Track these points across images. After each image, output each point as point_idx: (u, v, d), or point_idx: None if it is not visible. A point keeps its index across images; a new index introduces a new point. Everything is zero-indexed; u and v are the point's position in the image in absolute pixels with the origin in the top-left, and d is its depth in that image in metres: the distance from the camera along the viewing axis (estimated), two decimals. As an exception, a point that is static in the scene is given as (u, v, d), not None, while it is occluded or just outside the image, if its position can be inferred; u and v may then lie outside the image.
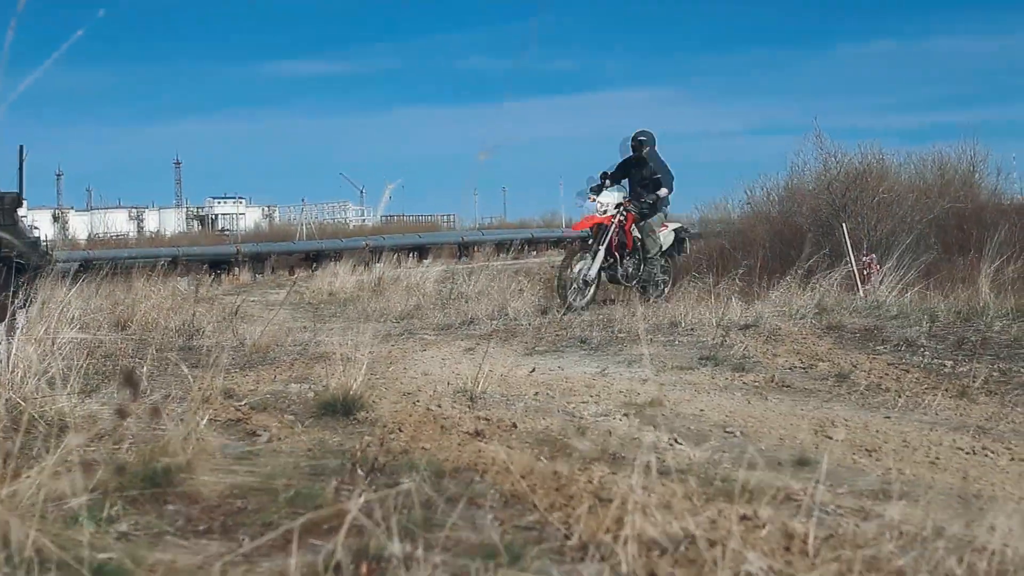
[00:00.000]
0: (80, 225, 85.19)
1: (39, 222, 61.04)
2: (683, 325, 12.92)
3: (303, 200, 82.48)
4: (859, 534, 3.85)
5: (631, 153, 16.69)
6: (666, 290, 16.69)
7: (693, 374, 9.23)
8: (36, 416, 5.60)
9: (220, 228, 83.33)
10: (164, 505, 4.20)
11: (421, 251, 39.89)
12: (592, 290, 15.89)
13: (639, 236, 16.30)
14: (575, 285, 15.59)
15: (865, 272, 18.87)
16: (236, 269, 31.03)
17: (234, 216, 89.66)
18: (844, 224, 20.45)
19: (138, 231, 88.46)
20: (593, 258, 15.80)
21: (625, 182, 16.76)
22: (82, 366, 7.24)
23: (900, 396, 7.73)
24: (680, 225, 17.98)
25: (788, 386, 8.50)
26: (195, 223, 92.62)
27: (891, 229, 31.54)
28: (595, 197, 16.17)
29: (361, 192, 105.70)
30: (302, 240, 47.48)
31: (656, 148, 16.90)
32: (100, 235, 74.36)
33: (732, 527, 3.84)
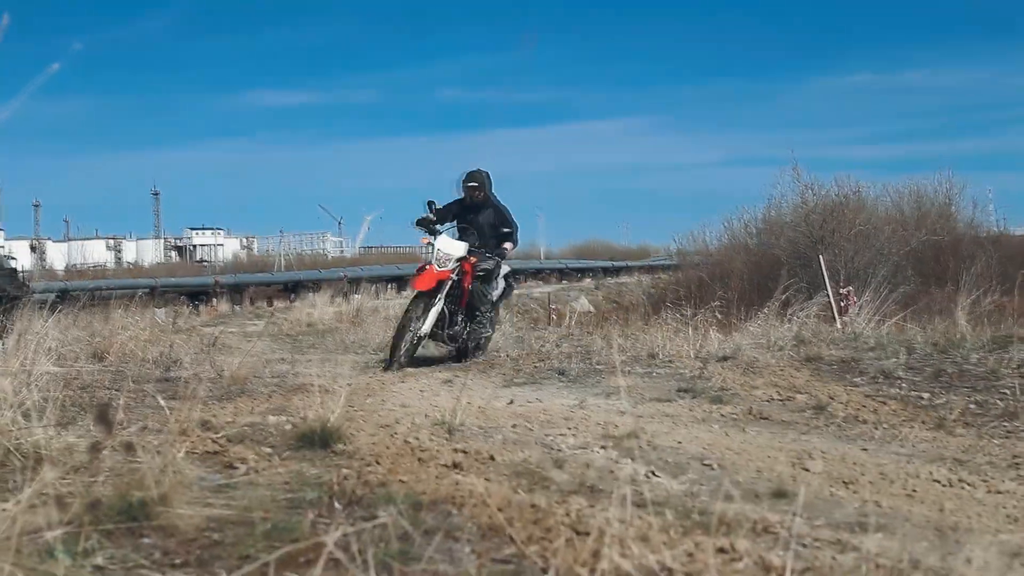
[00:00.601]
0: (57, 255, 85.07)
1: (16, 252, 60.82)
2: (661, 357, 12.94)
3: (281, 231, 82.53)
4: (836, 567, 3.85)
5: (464, 195, 14.45)
6: (487, 344, 14.67)
7: (671, 406, 9.24)
8: (11, 449, 5.58)
9: (199, 259, 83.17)
10: (140, 538, 4.18)
11: (400, 282, 39.85)
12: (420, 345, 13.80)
13: (473, 293, 13.95)
14: (408, 340, 13.35)
15: (843, 304, 18.95)
16: (214, 300, 31.00)
17: (212, 247, 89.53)
18: (821, 256, 20.52)
19: (116, 261, 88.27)
20: (426, 315, 13.53)
21: (454, 226, 14.37)
22: (59, 397, 7.20)
23: (877, 428, 7.75)
24: (509, 269, 15.40)
25: (766, 418, 8.52)
26: (173, 253, 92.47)
27: (868, 260, 31.74)
28: (431, 240, 13.88)
29: (339, 223, 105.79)
30: (280, 271, 47.49)
31: (493, 190, 14.58)
32: (78, 265, 74.26)
33: (709, 560, 3.84)
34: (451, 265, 13.68)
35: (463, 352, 14.16)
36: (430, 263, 13.78)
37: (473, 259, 13.86)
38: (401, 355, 13.22)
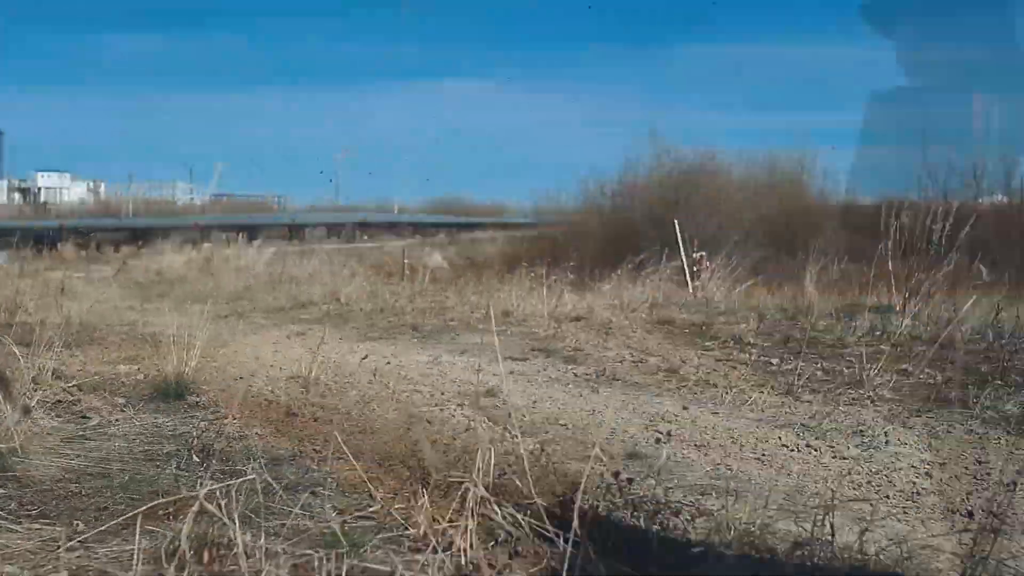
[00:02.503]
0: None
1: None
2: (515, 315, 13.01)
3: (130, 176, 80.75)
4: (691, 530, 3.94)
5: None
6: None
7: (526, 364, 9.31)
8: None
9: (43, 202, 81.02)
10: (-6, 488, 4.11)
11: (251, 232, 39.36)
12: None
13: None
14: None
15: (695, 268, 19.20)
16: (60, 245, 30.26)
17: (58, 190, 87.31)
18: (676, 220, 20.76)
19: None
20: None
21: None
22: None
23: (728, 392, 7.90)
24: None
25: (619, 379, 8.62)
26: (16, 195, 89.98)
27: (721, 226, 32.14)
28: None
29: (190, 171, 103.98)
30: (129, 217, 46.57)
31: None
32: (-88, 205, 71.84)
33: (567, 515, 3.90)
34: None
35: None
36: None
37: None
38: None
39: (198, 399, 6.40)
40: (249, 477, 3.70)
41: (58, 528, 3.64)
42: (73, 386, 6.43)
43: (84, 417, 5.74)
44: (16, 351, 5.82)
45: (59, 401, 5.98)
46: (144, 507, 3.64)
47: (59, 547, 3.41)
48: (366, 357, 9.33)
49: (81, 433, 5.14)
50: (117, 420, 5.66)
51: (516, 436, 5.93)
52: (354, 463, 4.31)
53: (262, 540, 3.28)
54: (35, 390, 5.75)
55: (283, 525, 3.64)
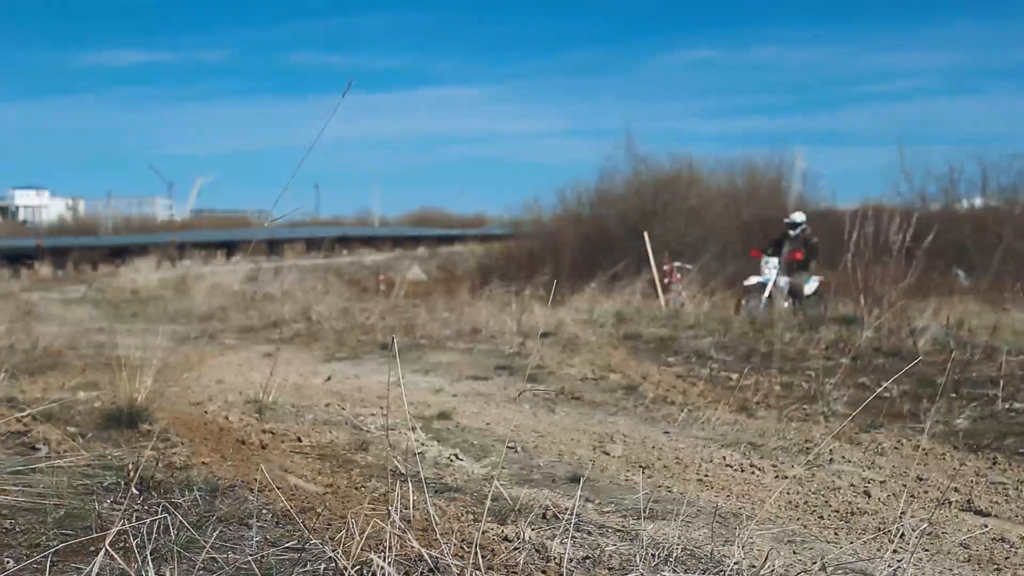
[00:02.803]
0: None
1: None
2: (484, 331, 13.08)
3: (109, 193, 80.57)
4: (614, 555, 3.99)
5: None
6: None
7: (487, 384, 9.37)
8: None
9: (21, 220, 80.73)
10: (-72, 526, 4.14)
11: (230, 247, 39.39)
12: None
13: None
14: None
15: (666, 280, 19.29)
16: (36, 263, 30.23)
17: (36, 208, 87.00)
18: (646, 232, 20.82)
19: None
20: None
21: None
22: None
23: (683, 409, 7.96)
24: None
25: (578, 398, 8.68)
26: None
27: (700, 235, 32.20)
28: None
29: (169, 186, 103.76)
30: (107, 234, 46.52)
31: None
32: None
33: (494, 547, 3.96)
34: None
35: None
36: None
37: None
38: None
39: (150, 427, 6.42)
40: (177, 508, 3.75)
41: (-14, 566, 3.67)
42: (26, 415, 6.44)
43: (33, 448, 5.76)
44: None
45: (9, 432, 6.00)
46: (60, 545, 3.68)
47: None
48: (329, 379, 9.40)
49: (26, 466, 5.16)
50: (65, 451, 5.68)
51: (461, 460, 6.00)
52: (279, 494, 4.36)
53: (176, 577, 3.32)
54: (-14, 420, 5.76)
55: (212, 559, 3.68)
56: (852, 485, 5.68)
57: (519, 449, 6.42)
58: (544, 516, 4.58)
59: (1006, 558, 4.48)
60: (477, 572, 3.45)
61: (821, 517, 5.04)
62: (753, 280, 18.67)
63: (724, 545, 4.21)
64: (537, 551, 3.92)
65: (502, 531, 4.23)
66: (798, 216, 19.05)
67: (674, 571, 3.69)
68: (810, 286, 18.46)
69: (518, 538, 4.03)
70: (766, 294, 17.93)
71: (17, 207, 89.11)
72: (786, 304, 18.08)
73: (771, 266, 18.35)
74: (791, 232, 18.72)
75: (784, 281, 18.20)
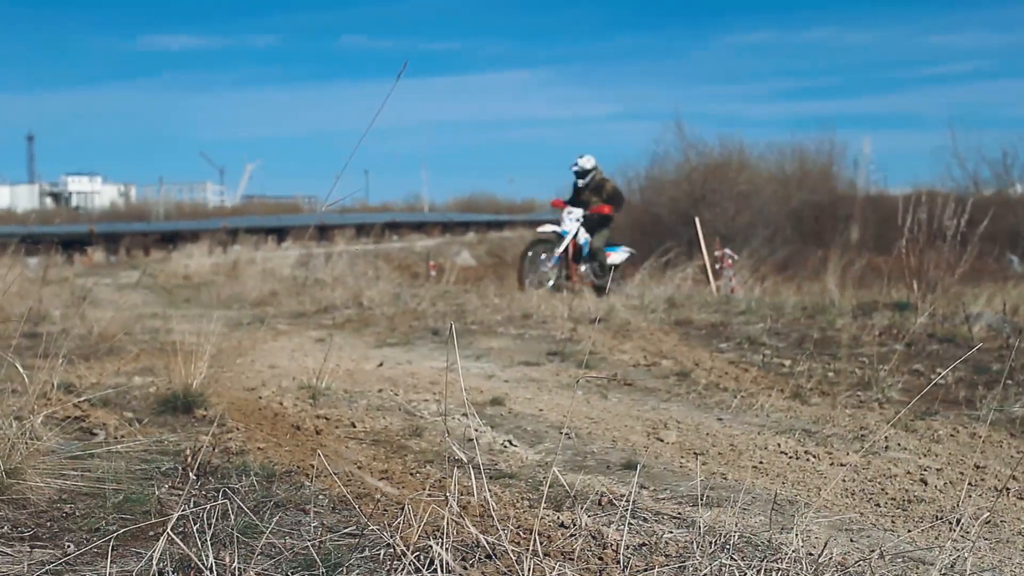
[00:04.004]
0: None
1: None
2: (535, 317, 13.06)
3: (160, 179, 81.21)
4: (671, 542, 3.98)
5: None
6: None
7: (539, 370, 9.36)
8: None
9: (75, 206, 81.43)
10: (-9, 510, 4.19)
11: (280, 233, 39.51)
12: None
13: None
14: None
15: (717, 267, 19.19)
16: (89, 250, 30.46)
17: (89, 194, 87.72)
18: (697, 217, 20.75)
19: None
20: None
21: None
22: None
23: (736, 396, 7.93)
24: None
25: (630, 384, 8.66)
26: (48, 200, 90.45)
27: (749, 220, 32.07)
28: None
29: (221, 172, 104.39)
30: (159, 220, 46.85)
31: None
32: (-55, 211, 72.38)
33: (553, 534, 3.96)
34: None
35: None
36: None
37: None
38: None
39: (205, 412, 6.47)
40: (220, 501, 3.78)
41: (48, 550, 3.72)
42: (83, 400, 6.50)
43: (91, 433, 5.82)
44: (19, 367, 5.85)
45: (67, 417, 6.05)
46: (120, 530, 3.72)
47: (46, 569, 3.48)
48: (381, 364, 9.41)
49: (85, 451, 5.21)
50: (123, 436, 5.74)
51: (515, 446, 6.01)
52: (335, 480, 4.38)
53: (236, 562, 3.34)
54: (44, 406, 5.81)
55: (271, 544, 3.70)
56: (908, 473, 5.64)
57: (572, 435, 6.42)
58: (599, 503, 4.59)
59: (1066, 547, 4.44)
60: (535, 558, 3.45)
61: (878, 505, 5.01)
62: (548, 228, 17.67)
63: (781, 533, 4.20)
64: (593, 538, 3.93)
65: (558, 517, 4.24)
66: (587, 162, 17.77)
67: (731, 558, 3.67)
68: (618, 255, 17.78)
69: (574, 524, 4.03)
70: (560, 248, 17.11)
71: (70, 193, 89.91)
72: (582, 268, 17.46)
73: (573, 218, 17.31)
74: (580, 182, 17.72)
75: (585, 239, 17.34)
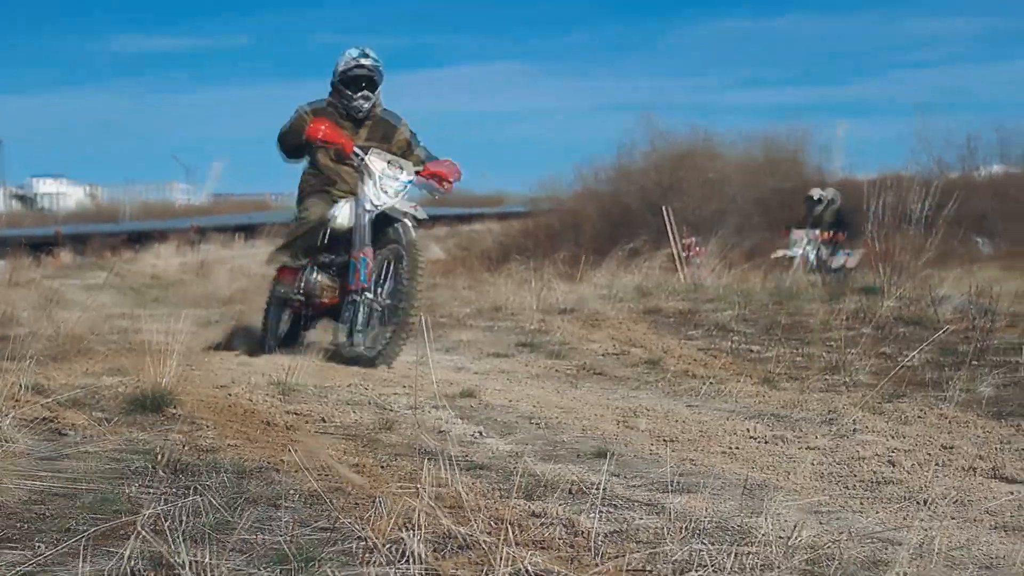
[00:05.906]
0: None
1: None
2: (505, 309, 13.07)
3: (128, 180, 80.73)
4: (643, 529, 4.01)
5: None
6: None
7: (509, 361, 9.37)
8: None
9: (42, 208, 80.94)
10: (-40, 513, 4.17)
11: (250, 231, 39.30)
12: None
13: None
14: None
15: (685, 255, 19.26)
16: (57, 251, 30.25)
17: (56, 195, 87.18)
18: (665, 206, 20.81)
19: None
20: None
21: None
22: None
23: (706, 383, 7.97)
24: None
25: (600, 373, 8.69)
26: (14, 202, 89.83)
27: (717, 209, 32.12)
28: None
29: (187, 171, 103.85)
30: (126, 220, 46.61)
31: None
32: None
33: (526, 523, 3.98)
34: None
35: None
36: None
37: None
38: None
39: (176, 411, 6.44)
40: (192, 498, 3.78)
41: (20, 552, 3.71)
42: (53, 401, 6.47)
43: (62, 434, 5.79)
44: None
45: (37, 418, 6.02)
46: (92, 529, 3.72)
47: (18, 571, 3.48)
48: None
49: (55, 452, 5.20)
50: (94, 436, 5.72)
51: (487, 437, 6.02)
52: (308, 475, 4.39)
53: (209, 558, 3.34)
54: (13, 407, 5.79)
55: (244, 540, 3.71)
56: (877, 455, 5.68)
57: (544, 425, 6.44)
58: (572, 491, 4.62)
59: (1034, 524, 4.48)
60: (508, 548, 3.46)
61: (847, 487, 5.05)
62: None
63: (752, 517, 4.22)
64: (566, 526, 3.95)
65: (530, 507, 4.26)
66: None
67: (703, 543, 3.70)
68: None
69: (547, 514, 4.06)
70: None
71: (38, 195, 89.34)
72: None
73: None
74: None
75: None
